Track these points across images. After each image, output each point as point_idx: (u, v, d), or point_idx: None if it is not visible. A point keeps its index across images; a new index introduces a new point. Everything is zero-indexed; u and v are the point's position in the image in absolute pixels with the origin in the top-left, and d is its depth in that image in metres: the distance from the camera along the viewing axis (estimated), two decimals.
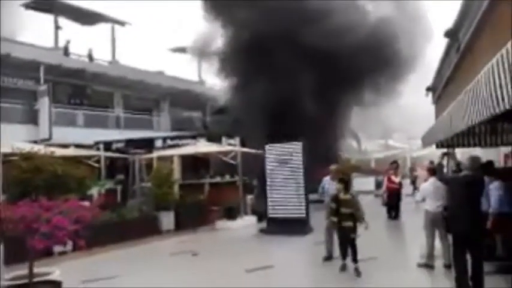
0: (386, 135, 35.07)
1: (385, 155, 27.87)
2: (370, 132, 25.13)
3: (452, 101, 5.43)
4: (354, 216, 6.57)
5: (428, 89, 17.20)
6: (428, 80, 14.44)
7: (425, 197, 6.95)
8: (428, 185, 6.93)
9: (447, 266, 6.58)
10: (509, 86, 2.71)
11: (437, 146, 10.06)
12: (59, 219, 4.35)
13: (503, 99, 2.87)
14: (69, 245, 8.79)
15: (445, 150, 8.07)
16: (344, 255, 6.82)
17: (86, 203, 6.50)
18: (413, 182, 20.06)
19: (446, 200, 6.36)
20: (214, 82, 24.98)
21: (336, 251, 7.36)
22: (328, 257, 7.57)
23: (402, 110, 23.34)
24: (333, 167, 8.36)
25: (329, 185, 7.98)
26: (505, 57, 2.74)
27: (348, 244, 6.67)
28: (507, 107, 2.83)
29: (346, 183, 6.89)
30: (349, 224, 6.55)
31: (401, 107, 22.28)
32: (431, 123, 9.27)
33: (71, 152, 14.05)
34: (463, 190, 5.17)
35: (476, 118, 3.73)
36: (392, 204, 12.65)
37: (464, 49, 8.95)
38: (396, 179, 12.79)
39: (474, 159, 5.34)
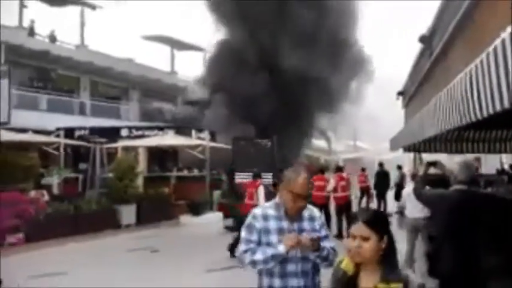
0: (355, 136, 35.53)
1: (352, 156, 28.24)
2: (340, 133, 25.24)
3: (423, 106, 5.33)
4: None
5: (399, 93, 17.42)
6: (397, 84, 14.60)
7: (405, 203, 6.84)
8: (410, 190, 6.79)
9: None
10: (488, 94, 2.56)
11: (404, 150, 10.12)
12: None
13: (480, 107, 2.72)
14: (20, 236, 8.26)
15: (431, 159, 7.57)
16: None
17: (33, 193, 6.02)
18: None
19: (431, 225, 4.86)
20: (187, 74, 24.40)
21: None
22: None
23: (371, 112, 23.57)
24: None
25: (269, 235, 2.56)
26: (485, 64, 2.58)
27: None
28: (485, 115, 2.69)
29: None
30: None
31: (369, 109, 22.43)
32: (399, 127, 9.28)
33: (28, 137, 13.30)
34: (456, 215, 3.22)
35: (450, 124, 3.60)
36: None
37: (437, 55, 8.96)
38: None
39: (469, 166, 3.40)
